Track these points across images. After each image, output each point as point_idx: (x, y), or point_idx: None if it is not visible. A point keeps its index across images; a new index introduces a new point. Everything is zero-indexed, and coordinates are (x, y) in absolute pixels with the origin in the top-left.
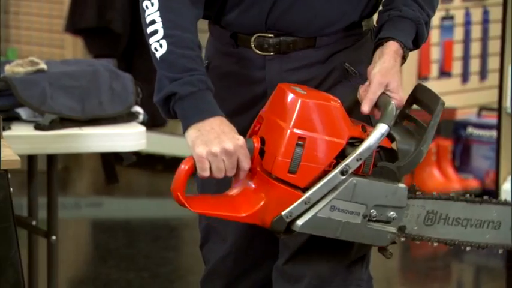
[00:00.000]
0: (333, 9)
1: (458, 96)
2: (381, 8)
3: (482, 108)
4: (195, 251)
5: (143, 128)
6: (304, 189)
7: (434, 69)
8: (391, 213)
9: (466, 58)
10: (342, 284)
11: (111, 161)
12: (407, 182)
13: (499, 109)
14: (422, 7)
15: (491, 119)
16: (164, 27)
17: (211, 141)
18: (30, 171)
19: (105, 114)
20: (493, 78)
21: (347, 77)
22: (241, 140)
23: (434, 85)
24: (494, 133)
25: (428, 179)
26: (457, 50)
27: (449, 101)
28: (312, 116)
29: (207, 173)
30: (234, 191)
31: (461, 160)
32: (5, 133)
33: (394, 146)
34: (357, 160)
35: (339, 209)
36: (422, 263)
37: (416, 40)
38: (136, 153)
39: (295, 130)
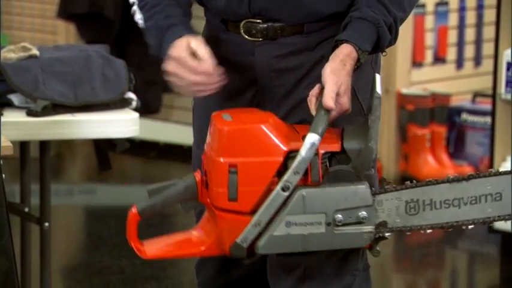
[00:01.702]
0: None
1: (453, 83)
2: None
3: (476, 95)
4: None
5: (136, 114)
6: (252, 212)
7: (429, 55)
8: (361, 213)
9: (460, 44)
10: (336, 274)
11: (104, 148)
12: (401, 168)
13: (494, 95)
14: (388, 8)
15: (485, 105)
16: None
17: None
18: (22, 157)
19: (98, 100)
20: (487, 64)
21: None
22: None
23: (429, 71)
24: (488, 119)
25: (423, 166)
26: (452, 36)
27: (443, 87)
28: (239, 142)
29: (177, 89)
30: (194, 229)
31: (456, 146)
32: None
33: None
34: (295, 174)
35: (295, 224)
36: (416, 250)
37: (378, 43)
38: (130, 140)
39: (224, 159)
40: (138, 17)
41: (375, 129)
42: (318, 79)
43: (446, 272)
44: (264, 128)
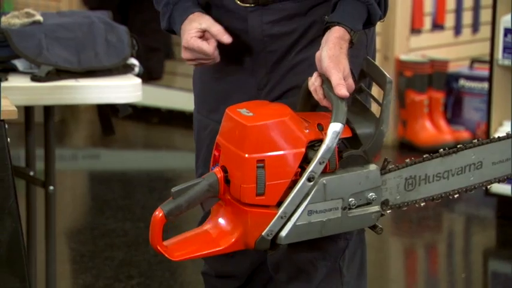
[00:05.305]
0: None
1: (451, 49)
2: None
3: (474, 61)
4: None
5: (139, 80)
6: (277, 204)
7: (427, 22)
8: (370, 194)
9: (458, 10)
10: (329, 239)
11: (107, 113)
12: (399, 133)
13: (491, 61)
14: None
15: (483, 71)
16: None
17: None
18: (27, 122)
19: (101, 66)
20: (485, 31)
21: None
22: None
23: (427, 38)
24: (485, 85)
25: (421, 131)
26: (450, 3)
27: (441, 54)
28: (265, 137)
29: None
30: (209, 225)
31: (453, 112)
32: (1, 84)
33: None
34: (320, 163)
35: (316, 211)
36: (414, 213)
37: (369, 19)
38: (133, 106)
39: (251, 155)
40: None
41: (387, 113)
42: (309, 44)
43: (444, 234)
44: (287, 121)
